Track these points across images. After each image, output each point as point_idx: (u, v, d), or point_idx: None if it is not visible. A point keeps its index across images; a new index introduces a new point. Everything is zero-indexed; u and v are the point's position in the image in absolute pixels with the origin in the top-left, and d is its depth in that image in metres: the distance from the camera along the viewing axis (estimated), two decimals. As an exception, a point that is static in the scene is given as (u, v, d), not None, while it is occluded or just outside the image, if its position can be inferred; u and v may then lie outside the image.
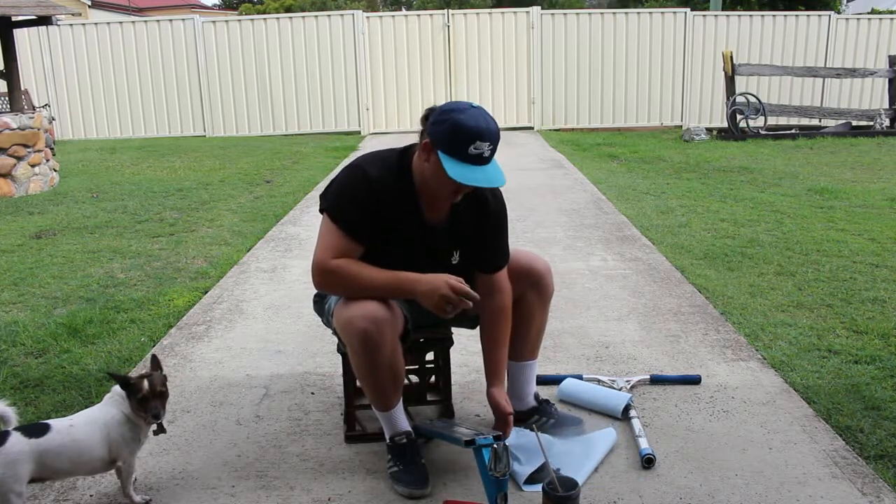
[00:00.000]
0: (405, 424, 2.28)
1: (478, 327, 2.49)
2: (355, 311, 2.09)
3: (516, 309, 2.40)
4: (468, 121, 1.99)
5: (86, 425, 2.00)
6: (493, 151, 2.05)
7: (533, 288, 2.40)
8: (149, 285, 4.27)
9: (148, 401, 2.02)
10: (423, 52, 13.26)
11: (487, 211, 2.27)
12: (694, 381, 2.84)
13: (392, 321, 2.11)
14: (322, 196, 2.21)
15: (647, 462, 2.26)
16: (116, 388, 2.07)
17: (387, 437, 2.28)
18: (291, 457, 2.38)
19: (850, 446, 2.38)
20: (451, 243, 2.28)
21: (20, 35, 11.43)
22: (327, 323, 2.42)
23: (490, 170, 2.04)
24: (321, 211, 2.19)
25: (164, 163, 9.65)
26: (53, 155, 8.02)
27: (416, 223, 2.20)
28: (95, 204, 6.80)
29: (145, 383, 2.02)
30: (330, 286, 2.18)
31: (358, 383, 2.50)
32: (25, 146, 7.42)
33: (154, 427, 2.09)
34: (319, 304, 2.44)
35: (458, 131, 1.99)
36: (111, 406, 2.05)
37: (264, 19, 13.46)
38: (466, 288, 2.09)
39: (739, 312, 3.63)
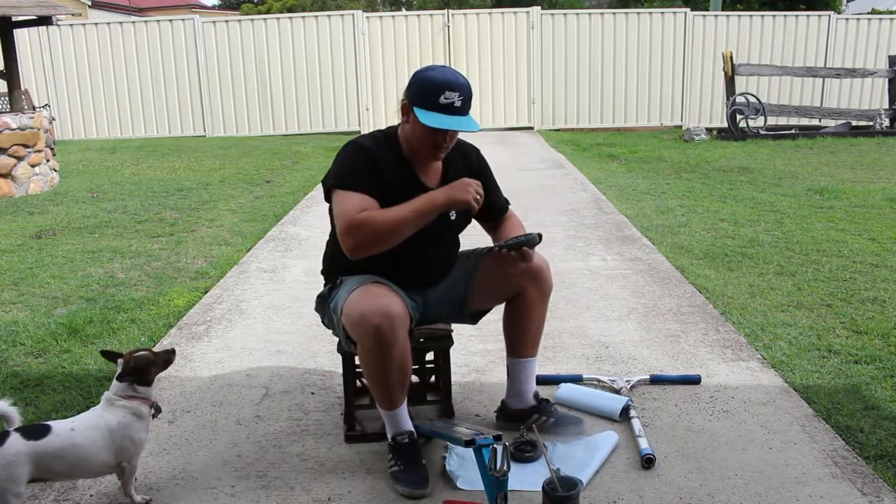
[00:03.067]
0: (408, 424, 2.28)
1: (478, 323, 2.58)
2: (369, 307, 2.09)
3: (516, 304, 2.43)
4: (435, 74, 2.16)
5: (87, 430, 1.98)
6: (466, 103, 2.16)
7: (532, 282, 2.41)
8: (149, 285, 4.27)
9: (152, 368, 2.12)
10: (423, 52, 13.25)
11: (472, 165, 2.43)
12: (694, 381, 2.84)
13: (404, 318, 2.13)
14: (325, 180, 2.28)
15: (647, 462, 2.26)
16: (108, 394, 2.06)
17: (389, 436, 2.28)
18: (291, 457, 2.38)
19: (849, 446, 2.38)
20: None
21: (20, 35, 11.43)
22: (329, 323, 2.43)
23: (464, 119, 2.16)
24: (329, 189, 2.24)
25: (164, 163, 9.65)
26: (53, 155, 8.02)
27: (414, 185, 2.28)
28: (95, 204, 6.80)
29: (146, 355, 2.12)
30: (365, 239, 2.15)
31: (358, 382, 2.51)
32: (25, 146, 7.42)
33: (152, 412, 2.10)
34: (322, 304, 2.44)
35: (427, 84, 2.15)
36: (117, 410, 2.03)
37: (264, 19, 13.46)
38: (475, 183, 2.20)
39: (739, 312, 3.63)
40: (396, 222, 2.14)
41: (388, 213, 2.15)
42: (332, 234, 2.36)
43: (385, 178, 2.22)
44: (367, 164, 2.21)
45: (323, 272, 2.47)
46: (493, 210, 2.49)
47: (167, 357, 2.16)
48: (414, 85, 2.18)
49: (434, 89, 2.13)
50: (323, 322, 2.49)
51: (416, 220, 2.15)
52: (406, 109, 2.21)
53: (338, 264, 2.35)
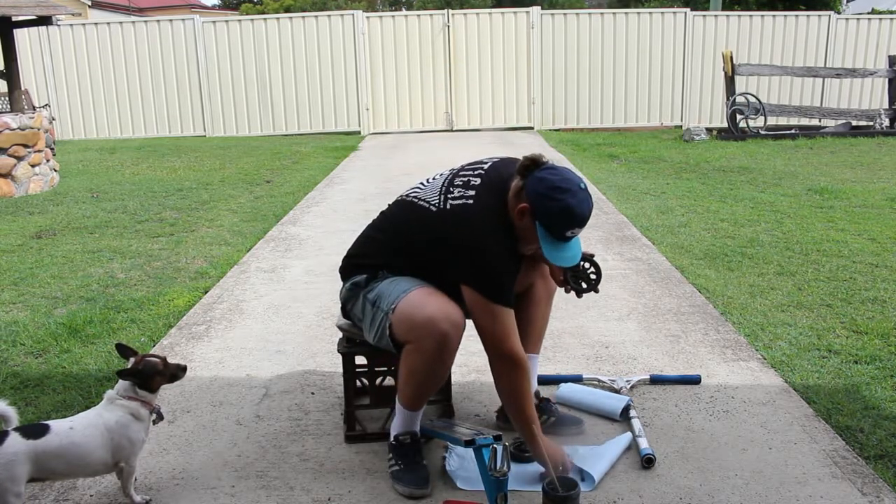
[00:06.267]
0: (417, 426, 2.29)
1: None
2: (436, 311, 2.08)
3: (523, 299, 2.46)
4: (577, 207, 2.04)
5: (86, 429, 1.99)
6: None
7: (541, 279, 2.48)
8: (149, 285, 4.27)
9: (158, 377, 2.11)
10: (423, 52, 13.25)
11: None
12: (694, 381, 2.84)
13: (464, 329, 2.13)
14: (478, 279, 2.11)
15: (647, 462, 2.26)
16: (111, 392, 2.07)
17: (392, 435, 2.28)
18: (291, 457, 2.38)
19: (850, 446, 2.38)
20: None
21: (20, 35, 11.43)
22: (356, 313, 2.32)
23: (574, 246, 2.12)
24: (490, 299, 2.10)
25: (164, 163, 9.65)
26: (53, 155, 8.02)
27: (517, 251, 2.22)
28: (95, 204, 6.80)
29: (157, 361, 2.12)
30: (506, 374, 2.15)
31: (358, 382, 2.50)
32: (26, 146, 7.42)
33: (153, 416, 2.11)
34: (355, 291, 2.30)
35: (566, 216, 2.04)
36: (116, 409, 2.04)
37: (264, 19, 13.45)
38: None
39: (739, 312, 3.63)
40: (518, 401, 2.14)
41: (528, 391, 2.15)
42: (382, 224, 2.34)
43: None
44: (516, 270, 2.21)
45: (356, 259, 2.35)
46: None
47: (175, 371, 2.15)
48: (550, 204, 2.04)
49: (568, 224, 2.06)
50: (344, 310, 2.40)
51: (519, 426, 2.18)
52: (526, 212, 2.08)
53: (383, 258, 2.28)
